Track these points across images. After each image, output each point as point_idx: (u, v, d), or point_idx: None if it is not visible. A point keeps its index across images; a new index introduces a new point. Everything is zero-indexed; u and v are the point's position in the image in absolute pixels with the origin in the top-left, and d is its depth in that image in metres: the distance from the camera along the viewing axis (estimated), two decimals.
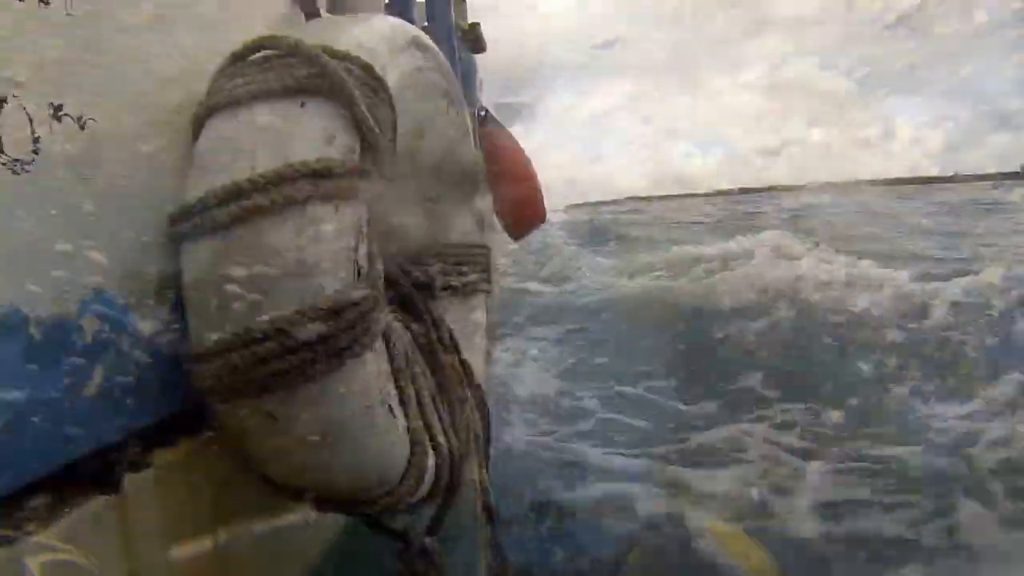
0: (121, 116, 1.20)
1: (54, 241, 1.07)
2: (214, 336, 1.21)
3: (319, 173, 1.16)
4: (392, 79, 1.42)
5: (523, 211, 8.94)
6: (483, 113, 8.23)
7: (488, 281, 2.02)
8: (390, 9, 3.68)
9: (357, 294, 1.21)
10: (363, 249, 1.27)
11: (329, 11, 2.61)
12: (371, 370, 1.28)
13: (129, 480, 1.21)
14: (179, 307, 1.29)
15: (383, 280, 1.36)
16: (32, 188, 1.02)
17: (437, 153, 1.78)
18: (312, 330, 1.15)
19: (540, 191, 8.97)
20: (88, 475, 1.15)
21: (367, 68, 1.28)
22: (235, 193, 1.16)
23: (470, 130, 1.91)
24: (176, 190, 1.29)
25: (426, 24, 5.06)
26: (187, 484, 1.35)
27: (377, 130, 1.27)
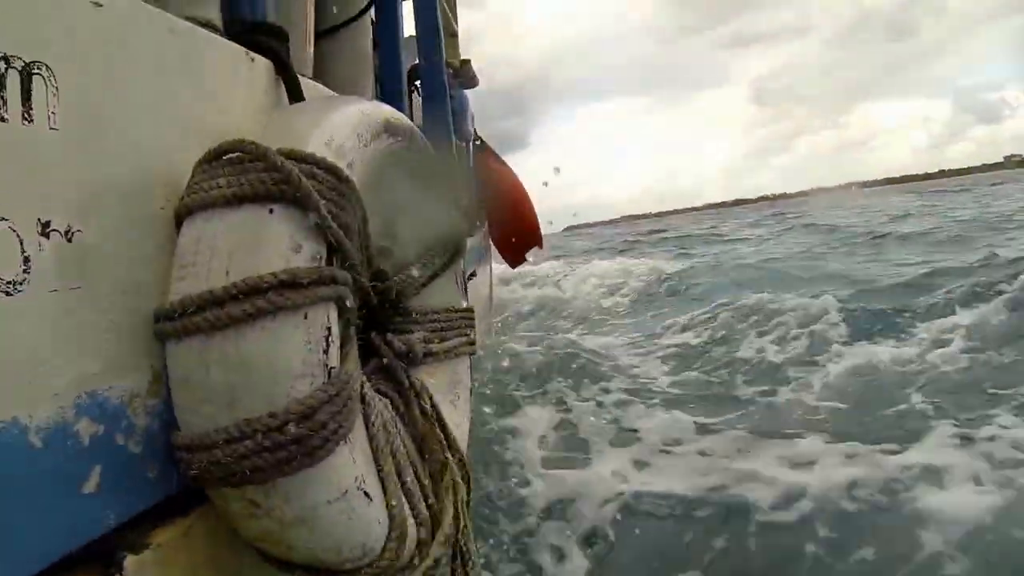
0: (108, 221, 1.26)
1: (49, 352, 1.13)
2: (198, 431, 1.30)
3: (286, 284, 1.25)
4: (363, 169, 1.49)
5: (520, 238, 9.12)
6: (477, 142, 8.42)
7: (472, 343, 2.10)
8: (379, 53, 3.77)
9: (327, 396, 1.29)
10: (334, 350, 1.35)
11: (316, 74, 2.71)
12: (347, 459, 1.37)
13: (129, 562, 1.28)
14: (170, 398, 1.36)
15: (356, 377, 1.45)
16: (26, 305, 1.08)
17: (417, 224, 1.86)
18: (285, 432, 1.24)
19: (536, 218, 9.14)
20: (89, 561, 1.22)
21: (333, 170, 1.36)
22: (211, 301, 1.25)
23: (452, 197, 1.99)
24: (162, 286, 1.37)
25: (417, 63, 5.17)
26: (186, 560, 1.43)
27: (343, 234, 1.35)
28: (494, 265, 9.58)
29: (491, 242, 8.75)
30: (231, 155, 1.37)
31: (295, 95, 1.82)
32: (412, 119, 4.49)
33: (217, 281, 1.27)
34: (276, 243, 1.29)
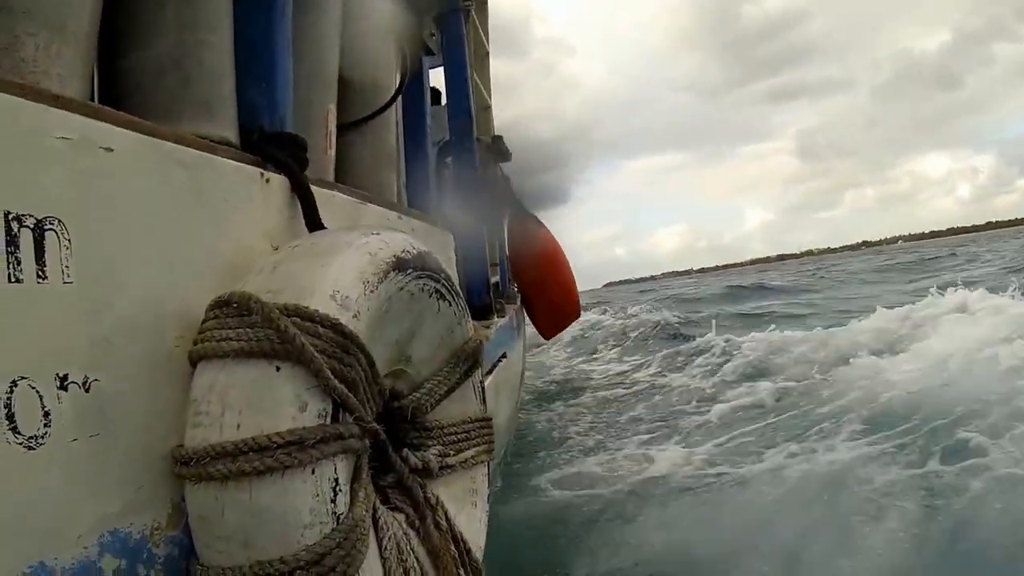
0: (124, 366, 1.33)
1: (72, 498, 1.21)
2: (216, 566, 1.37)
3: (293, 443, 1.31)
4: (370, 314, 1.54)
5: (558, 312, 9.16)
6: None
7: (490, 451, 2.13)
8: (406, 145, 3.83)
9: (335, 542, 1.36)
10: (342, 497, 1.41)
11: (339, 168, 2.77)
12: None
13: None
14: (188, 527, 1.43)
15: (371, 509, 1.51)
16: (47, 456, 1.15)
17: (432, 343, 1.91)
18: None
19: (575, 287, 9.18)
20: None
21: (336, 327, 1.41)
22: (223, 454, 1.32)
23: (466, 312, 2.01)
24: (177, 421, 1.44)
25: (447, 139, 5.28)
26: None
27: (346, 390, 1.41)
28: None
29: (525, 315, 8.78)
30: (240, 306, 1.43)
31: (311, 218, 1.88)
32: (443, 196, 4.60)
33: (229, 434, 1.34)
34: (283, 402, 1.35)
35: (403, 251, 1.69)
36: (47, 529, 1.16)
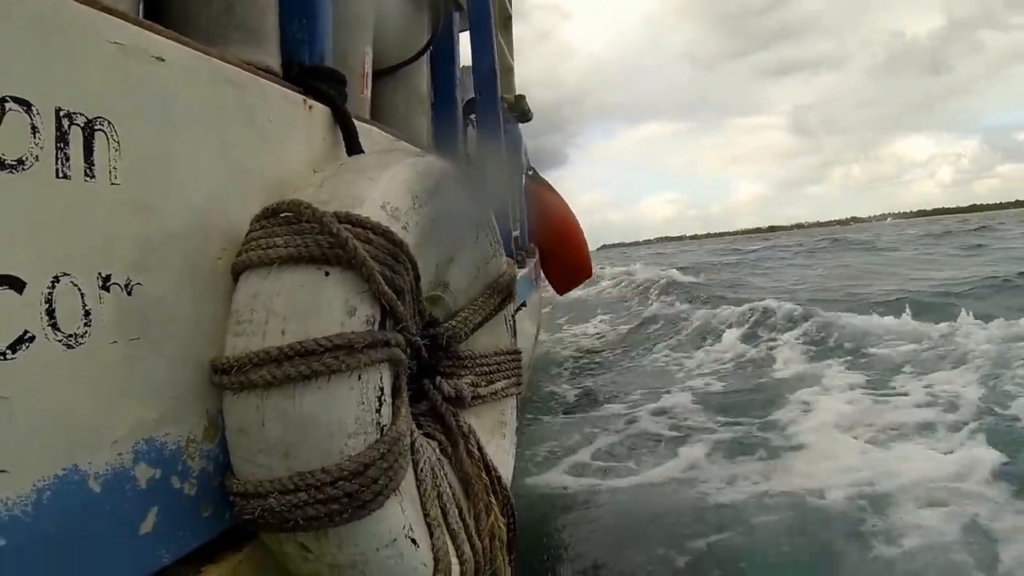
0: (166, 273, 1.25)
1: (109, 402, 1.13)
2: (252, 479, 1.29)
3: (341, 347, 1.23)
4: (417, 229, 1.47)
5: (571, 270, 9.19)
6: (530, 172, 8.49)
7: (519, 383, 2.08)
8: (435, 92, 3.77)
9: (379, 453, 1.28)
10: (386, 408, 1.33)
11: (372, 114, 2.72)
12: (396, 510, 1.35)
13: None
14: (224, 443, 1.36)
15: (409, 422, 1.45)
16: (86, 357, 1.07)
17: (469, 273, 1.84)
18: (339, 487, 1.23)
19: (587, 249, 9.19)
20: None
21: (387, 235, 1.33)
22: (267, 360, 1.24)
23: (500, 245, 1.97)
24: (217, 334, 1.36)
25: (473, 97, 5.21)
26: None
27: (396, 298, 1.33)
28: None
29: (540, 271, 8.81)
30: (288, 214, 1.35)
31: (353, 145, 1.82)
32: (467, 151, 4.55)
33: (274, 340, 1.26)
34: (331, 306, 1.27)
35: (450, 174, 1.62)
36: (82, 430, 1.08)
